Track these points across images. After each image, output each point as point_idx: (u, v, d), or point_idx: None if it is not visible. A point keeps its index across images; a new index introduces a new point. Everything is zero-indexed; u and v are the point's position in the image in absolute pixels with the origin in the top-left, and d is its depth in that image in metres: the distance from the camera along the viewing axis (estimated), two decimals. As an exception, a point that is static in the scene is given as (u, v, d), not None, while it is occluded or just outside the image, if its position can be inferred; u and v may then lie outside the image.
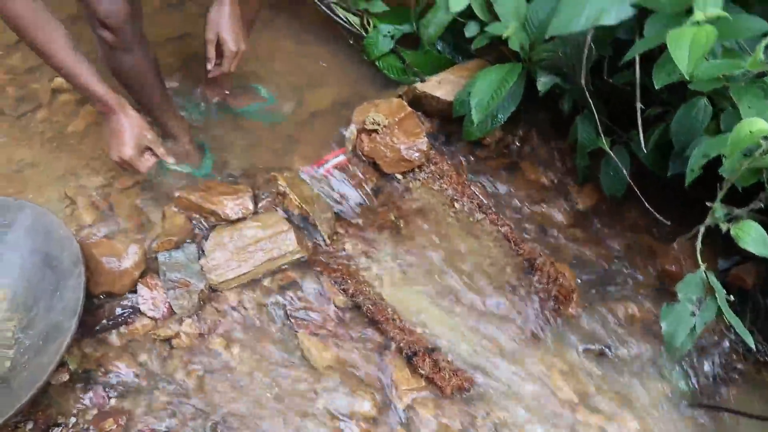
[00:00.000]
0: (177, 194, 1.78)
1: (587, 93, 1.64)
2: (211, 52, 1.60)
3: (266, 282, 1.71)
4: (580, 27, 1.46)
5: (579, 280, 1.81)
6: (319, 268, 1.74)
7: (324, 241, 1.77)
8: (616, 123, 1.79)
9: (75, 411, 1.53)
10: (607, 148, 1.70)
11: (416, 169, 1.91)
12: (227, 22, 1.55)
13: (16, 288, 1.60)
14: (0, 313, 1.59)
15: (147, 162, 1.60)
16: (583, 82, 1.62)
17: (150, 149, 1.61)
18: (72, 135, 2.01)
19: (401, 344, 1.64)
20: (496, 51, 1.97)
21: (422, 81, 1.97)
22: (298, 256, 1.71)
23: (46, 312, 1.54)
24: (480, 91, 1.76)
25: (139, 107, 1.70)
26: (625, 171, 1.71)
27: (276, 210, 1.77)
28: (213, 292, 1.68)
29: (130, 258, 1.64)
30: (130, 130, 1.53)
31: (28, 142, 1.98)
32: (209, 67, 1.63)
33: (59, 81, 2.16)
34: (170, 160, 1.66)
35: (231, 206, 1.73)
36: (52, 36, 1.37)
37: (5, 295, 1.60)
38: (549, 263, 1.77)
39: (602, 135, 1.70)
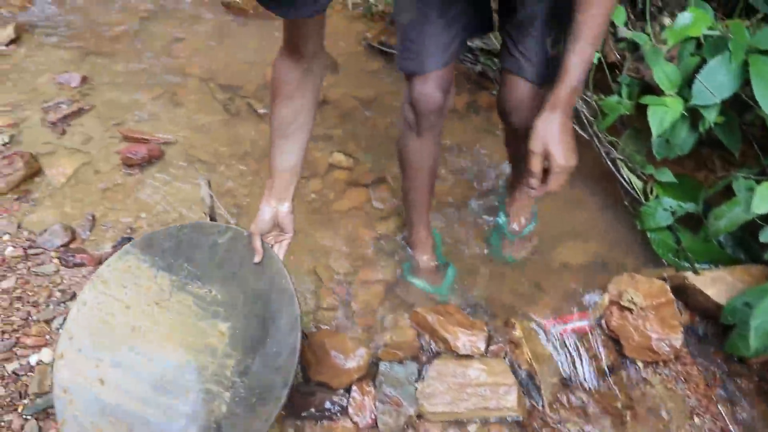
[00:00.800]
0: (415, 308, 1.79)
1: None
2: (537, 165, 1.37)
3: (472, 428, 1.64)
4: None
5: None
6: (529, 434, 1.64)
7: (543, 406, 1.68)
8: None
9: (258, 485, 1.55)
10: None
11: (660, 362, 1.75)
12: (557, 133, 1.33)
13: (236, 326, 1.56)
14: (221, 347, 1.56)
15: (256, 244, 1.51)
16: None
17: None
18: (335, 213, 2.12)
19: None
20: (790, 264, 1.78)
21: (694, 271, 1.82)
22: (513, 414, 1.63)
23: (261, 366, 1.47)
24: (765, 313, 1.58)
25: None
26: None
27: (504, 358, 1.71)
28: (418, 418, 1.65)
29: (355, 359, 1.67)
30: (268, 214, 1.51)
31: (296, 206, 2.10)
32: (533, 184, 1.41)
33: (338, 157, 2.31)
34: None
35: (464, 340, 1.69)
36: (284, 103, 1.38)
37: (227, 331, 1.57)
38: None
39: None
